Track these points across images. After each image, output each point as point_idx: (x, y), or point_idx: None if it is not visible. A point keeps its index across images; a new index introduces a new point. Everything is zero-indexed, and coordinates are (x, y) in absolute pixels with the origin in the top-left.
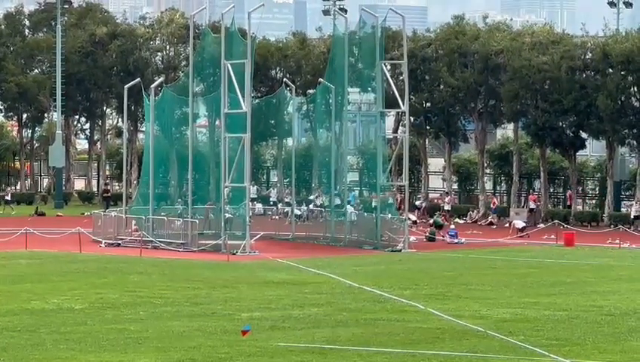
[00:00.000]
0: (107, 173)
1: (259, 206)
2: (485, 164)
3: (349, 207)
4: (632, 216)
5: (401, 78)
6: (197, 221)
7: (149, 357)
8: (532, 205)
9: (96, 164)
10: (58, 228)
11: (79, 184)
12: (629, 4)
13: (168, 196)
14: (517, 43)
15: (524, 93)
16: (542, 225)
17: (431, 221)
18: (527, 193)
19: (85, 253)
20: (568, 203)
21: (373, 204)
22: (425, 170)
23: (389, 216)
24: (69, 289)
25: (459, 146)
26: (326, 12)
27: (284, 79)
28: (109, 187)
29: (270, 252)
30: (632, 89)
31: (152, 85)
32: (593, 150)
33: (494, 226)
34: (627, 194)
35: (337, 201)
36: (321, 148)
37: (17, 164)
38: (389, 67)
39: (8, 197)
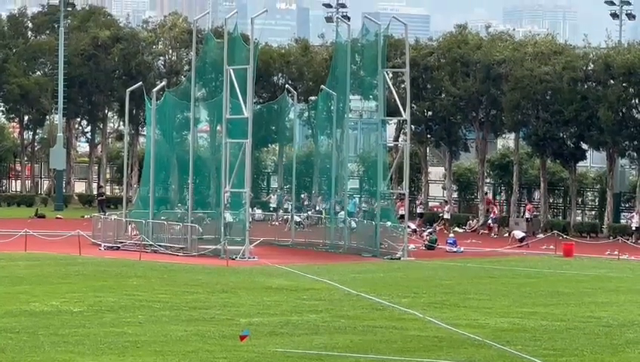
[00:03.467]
0: (107, 176)
1: (259, 212)
2: (485, 174)
3: (341, 213)
4: (633, 228)
5: (402, 86)
6: (197, 225)
7: (147, 360)
8: (527, 215)
9: (96, 167)
10: (58, 231)
11: (79, 187)
12: (631, 16)
13: (168, 200)
14: (519, 53)
15: (526, 103)
16: (541, 236)
17: (425, 235)
18: (526, 203)
19: (84, 256)
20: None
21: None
22: (425, 178)
23: (389, 223)
24: (67, 291)
25: (459, 155)
26: (329, 19)
27: (286, 85)
28: (103, 190)
29: (269, 258)
30: (633, 101)
31: (154, 89)
32: (593, 161)
33: (495, 236)
34: (627, 205)
35: (337, 208)
36: (322, 154)
37: (18, 166)
38: (390, 75)
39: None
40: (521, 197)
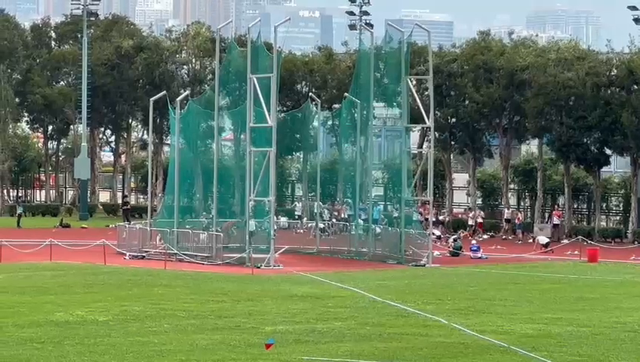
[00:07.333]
0: (132, 185)
1: (283, 219)
2: (509, 180)
3: (360, 220)
4: None
5: (426, 93)
6: (222, 234)
7: None
8: (556, 220)
9: (121, 177)
10: (82, 240)
11: (104, 196)
12: None
13: (193, 209)
14: (542, 59)
15: (549, 109)
16: (566, 241)
17: (451, 241)
18: (551, 209)
19: (109, 265)
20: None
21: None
22: (449, 185)
23: (413, 230)
24: (93, 301)
25: (483, 161)
26: (352, 27)
27: (310, 93)
28: (127, 199)
29: (294, 265)
30: None
31: (178, 98)
32: (617, 166)
33: (519, 242)
34: None
35: (362, 216)
36: (346, 162)
37: (42, 176)
38: (414, 82)
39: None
40: (545, 203)
